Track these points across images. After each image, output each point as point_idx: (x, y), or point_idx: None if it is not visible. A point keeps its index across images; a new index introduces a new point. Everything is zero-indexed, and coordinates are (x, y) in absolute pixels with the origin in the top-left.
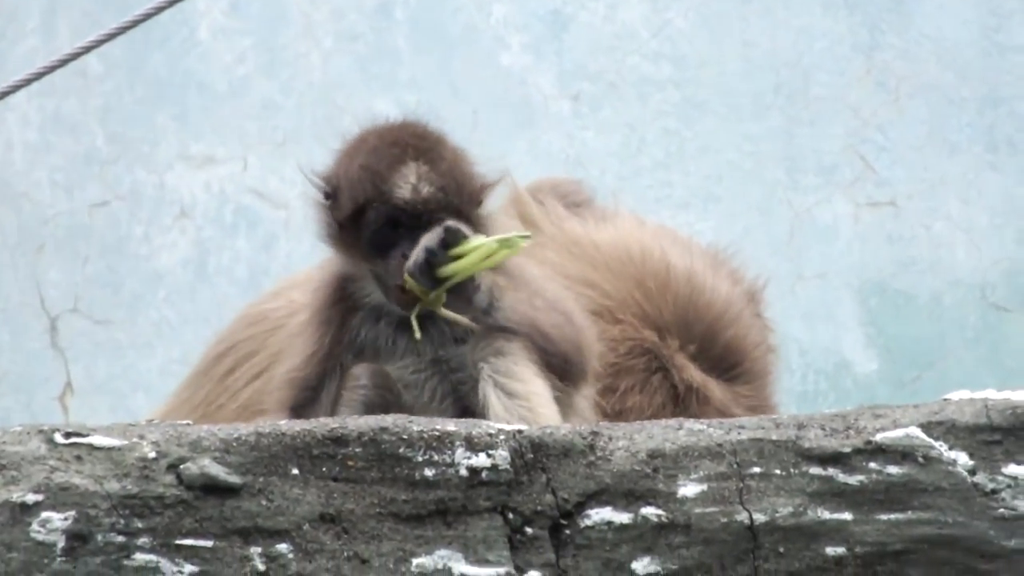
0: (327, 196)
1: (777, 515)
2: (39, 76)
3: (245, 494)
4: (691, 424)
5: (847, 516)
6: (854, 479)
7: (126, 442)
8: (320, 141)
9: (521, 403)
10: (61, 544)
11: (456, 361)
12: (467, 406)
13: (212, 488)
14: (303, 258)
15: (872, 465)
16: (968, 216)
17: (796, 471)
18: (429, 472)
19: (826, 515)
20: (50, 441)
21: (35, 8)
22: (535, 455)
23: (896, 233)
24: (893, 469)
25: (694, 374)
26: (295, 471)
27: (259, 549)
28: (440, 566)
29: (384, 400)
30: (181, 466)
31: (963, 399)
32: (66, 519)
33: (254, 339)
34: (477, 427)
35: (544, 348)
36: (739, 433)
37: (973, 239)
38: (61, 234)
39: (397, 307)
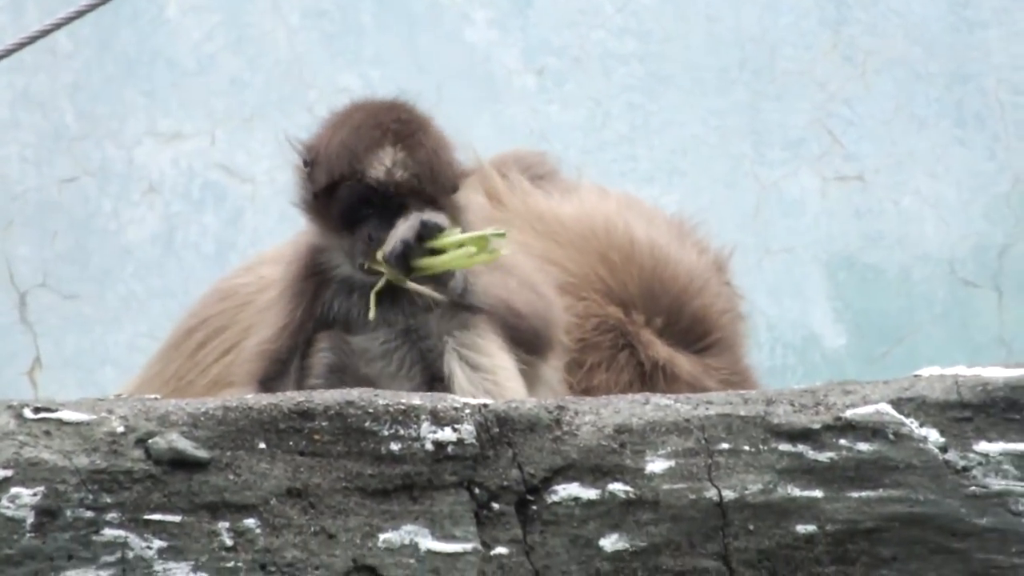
0: (306, 164)
1: (746, 492)
2: (8, 53)
3: (213, 469)
4: (658, 399)
5: (817, 493)
6: (824, 456)
7: (95, 417)
8: (287, 116)
9: (486, 376)
10: (30, 520)
11: (425, 330)
12: (435, 374)
13: (180, 463)
14: (269, 232)
15: (842, 442)
16: (936, 191)
17: (765, 447)
18: (395, 446)
19: (796, 492)
20: (19, 416)
21: None
22: (501, 429)
23: (864, 207)
24: (863, 446)
25: (660, 350)
26: (262, 445)
27: (227, 524)
28: (407, 541)
29: (343, 363)
30: (149, 441)
31: (933, 375)
32: (35, 495)
33: (224, 314)
34: (443, 401)
35: (515, 325)
36: (707, 408)
37: (941, 214)
38: (30, 210)
39: (363, 279)
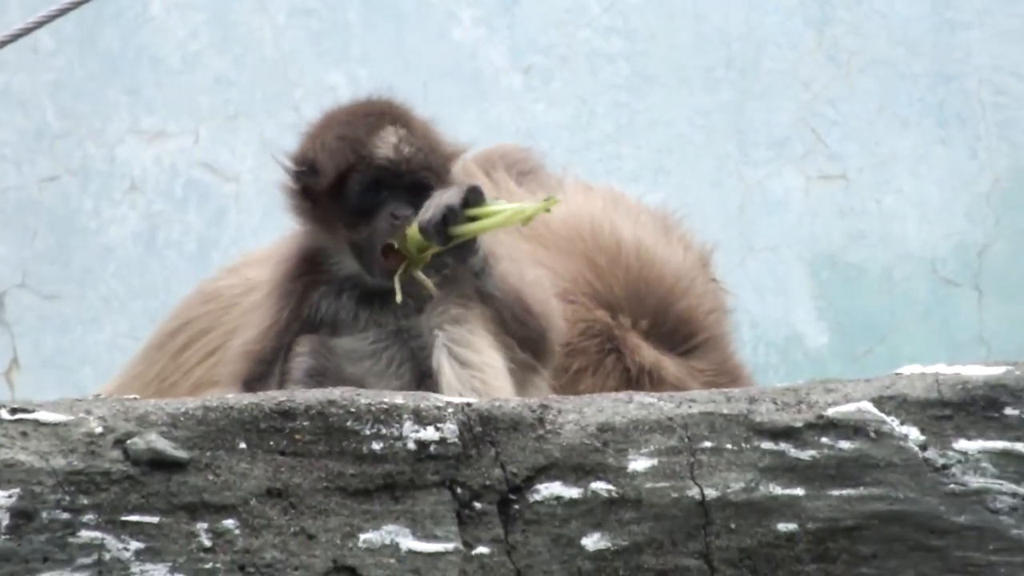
0: (303, 172)
1: (729, 490)
2: None
3: (192, 469)
4: (641, 398)
5: (799, 492)
6: (806, 454)
7: (72, 417)
8: (271, 115)
9: (474, 373)
10: (5, 522)
11: (416, 329)
12: (425, 371)
13: (159, 463)
14: (253, 231)
15: (824, 440)
16: (919, 190)
17: (748, 446)
18: (377, 446)
19: (778, 490)
20: None
21: None
22: (484, 428)
23: (847, 206)
24: (845, 444)
25: (647, 354)
26: (243, 445)
27: (205, 525)
28: (388, 541)
29: (324, 367)
30: (128, 441)
31: (914, 374)
32: (10, 496)
33: (208, 316)
34: (425, 400)
35: (524, 321)
36: (690, 407)
37: (924, 213)
38: (10, 209)
39: (376, 271)
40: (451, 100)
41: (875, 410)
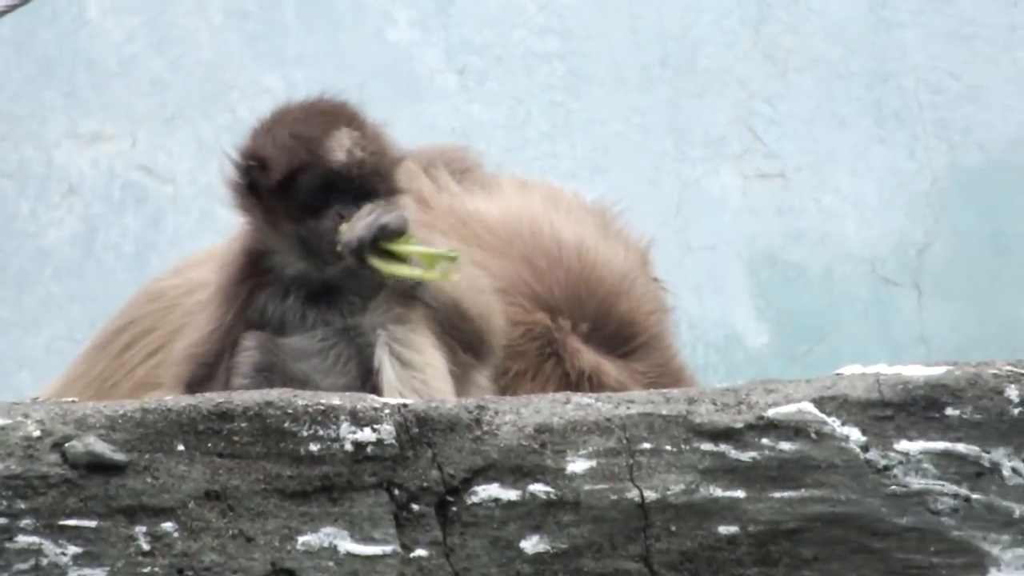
0: (252, 167)
1: (668, 492)
2: None
3: (130, 471)
4: (579, 398)
5: (740, 494)
6: (746, 455)
7: (10, 421)
8: (208, 117)
9: (415, 374)
10: None
11: (362, 327)
12: (370, 369)
13: (97, 466)
14: (191, 233)
15: (764, 441)
16: (857, 189)
17: (687, 447)
18: (314, 447)
19: (718, 492)
20: None
21: None
22: (420, 430)
23: (785, 205)
24: (786, 445)
25: (587, 358)
26: (181, 447)
27: (144, 528)
28: (326, 544)
29: (271, 362)
30: (66, 444)
31: (855, 374)
32: None
33: (152, 316)
34: (362, 401)
35: (460, 327)
36: (628, 407)
37: (862, 212)
38: None
39: (323, 264)
40: (387, 101)
41: (816, 411)
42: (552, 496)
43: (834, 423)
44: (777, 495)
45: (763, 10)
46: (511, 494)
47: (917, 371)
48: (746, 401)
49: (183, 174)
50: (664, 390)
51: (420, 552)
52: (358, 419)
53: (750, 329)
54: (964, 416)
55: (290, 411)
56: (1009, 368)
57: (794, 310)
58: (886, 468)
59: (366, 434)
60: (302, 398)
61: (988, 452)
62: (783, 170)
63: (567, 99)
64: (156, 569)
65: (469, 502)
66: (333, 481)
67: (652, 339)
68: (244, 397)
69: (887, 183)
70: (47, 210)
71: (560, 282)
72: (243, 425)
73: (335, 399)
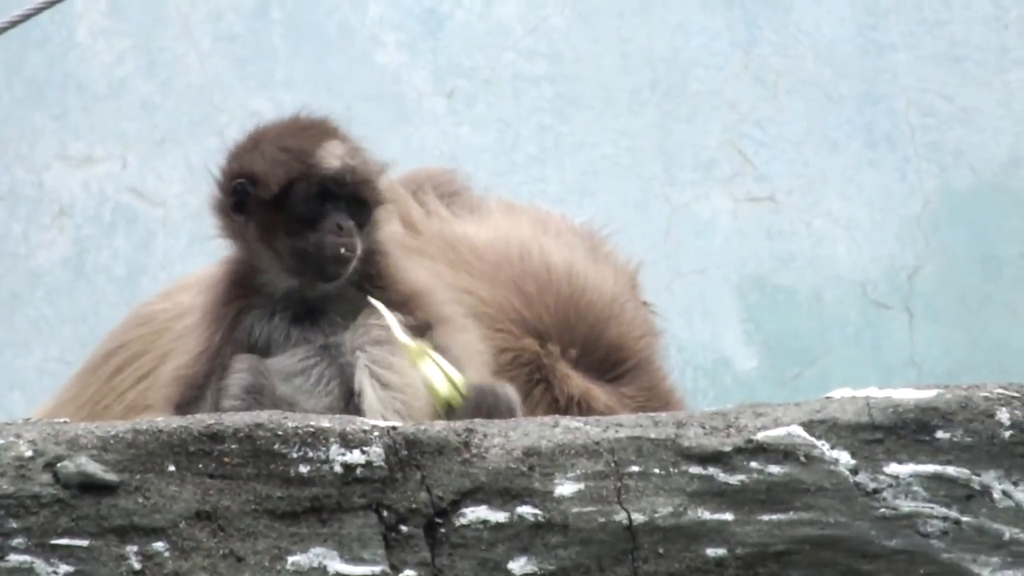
0: (242, 185)
1: (656, 515)
2: None
3: (122, 492)
4: (567, 422)
5: (728, 516)
6: (735, 479)
7: (2, 441)
8: (197, 140)
9: (396, 395)
10: None
11: (344, 346)
12: (353, 389)
13: (89, 486)
14: (180, 256)
15: (753, 464)
16: (848, 212)
17: (676, 470)
18: (304, 469)
19: (706, 515)
20: None
21: None
22: (409, 452)
23: (776, 229)
24: (774, 468)
25: (576, 384)
26: (172, 468)
27: (135, 548)
28: (315, 564)
29: (261, 384)
30: (58, 464)
31: (845, 397)
32: None
33: (142, 339)
34: (351, 423)
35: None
36: (617, 431)
37: (853, 235)
38: None
39: (323, 278)
40: (375, 124)
41: (805, 434)
42: (540, 518)
43: (823, 446)
44: (766, 518)
45: (753, 33)
46: (499, 516)
47: (907, 394)
48: (735, 424)
49: (173, 197)
50: (653, 414)
51: (409, 572)
52: (347, 441)
53: (739, 353)
54: (955, 439)
55: (280, 433)
56: (1000, 391)
57: (784, 334)
58: (876, 491)
59: (355, 456)
60: (292, 420)
61: (978, 475)
62: (773, 193)
63: (556, 122)
64: None
65: (458, 524)
66: (323, 502)
67: (641, 363)
68: (235, 419)
69: (878, 206)
70: (38, 232)
71: (549, 308)
72: (234, 447)
73: (325, 421)
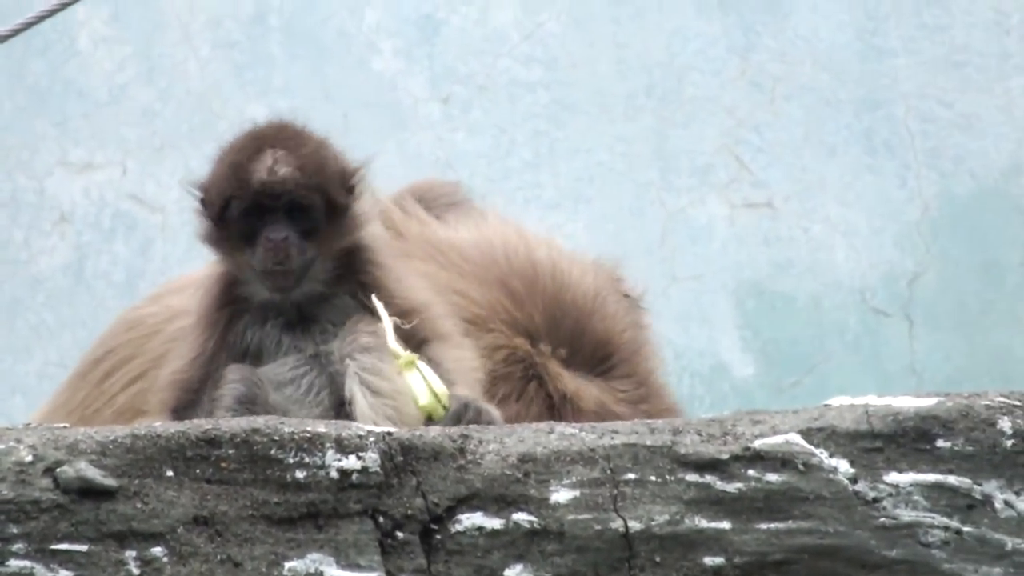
0: (202, 200)
1: (653, 523)
2: None
3: (121, 497)
4: (563, 428)
5: (725, 525)
6: (732, 487)
7: (2, 446)
8: (197, 147)
9: (386, 402)
10: None
11: (334, 355)
12: (343, 398)
13: (88, 491)
14: (179, 261)
15: (751, 472)
16: (846, 218)
17: (672, 478)
18: (300, 474)
19: (704, 523)
20: None
21: None
22: (405, 458)
23: (773, 235)
24: (772, 477)
25: (567, 382)
26: (170, 473)
27: (134, 553)
28: (312, 570)
29: (254, 395)
30: (58, 469)
31: (843, 405)
32: None
33: (131, 343)
34: (347, 429)
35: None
36: (612, 438)
37: (852, 242)
38: None
39: (271, 289)
40: (371, 130)
41: (803, 442)
42: (536, 525)
43: (822, 454)
44: (764, 526)
45: (750, 38)
46: (495, 523)
47: (907, 402)
48: (732, 432)
49: (172, 203)
50: (649, 420)
51: None
52: (343, 447)
53: (736, 359)
54: (955, 448)
55: (276, 438)
56: (1002, 399)
57: (781, 340)
58: (875, 500)
59: (351, 462)
60: (288, 425)
61: (980, 484)
62: (771, 199)
63: (551, 128)
64: None
65: (453, 530)
66: (319, 508)
67: (629, 356)
68: (231, 424)
69: (877, 212)
70: (39, 238)
71: (538, 307)
72: (231, 452)
73: (320, 427)
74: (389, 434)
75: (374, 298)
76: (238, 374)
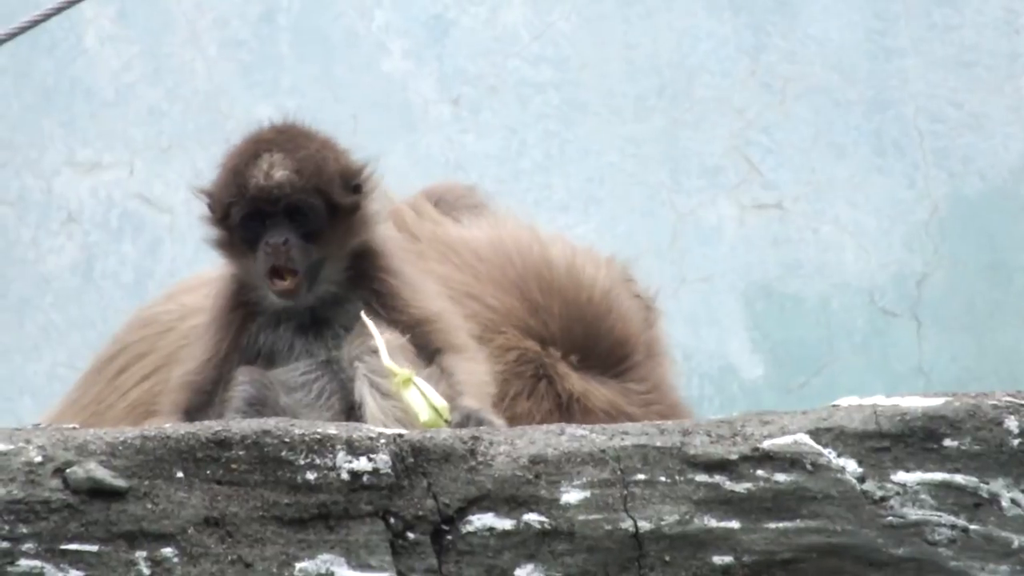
0: (208, 206)
1: (663, 523)
2: None
3: (131, 497)
4: (573, 429)
5: (734, 524)
6: (741, 487)
7: (12, 447)
8: (204, 147)
9: (396, 404)
10: None
11: (343, 360)
12: (353, 403)
13: (98, 492)
14: (188, 262)
15: (760, 472)
16: (856, 219)
17: (682, 478)
18: (311, 475)
19: (713, 523)
20: None
21: None
22: (416, 459)
23: (783, 236)
24: (781, 476)
25: (576, 383)
26: (180, 474)
27: (144, 553)
28: (323, 570)
29: (264, 396)
30: (67, 470)
31: (852, 405)
32: None
33: (145, 341)
34: (358, 431)
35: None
36: (622, 439)
37: (861, 243)
38: None
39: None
40: (380, 131)
41: (812, 442)
42: (546, 526)
43: (830, 454)
44: (772, 526)
45: (760, 38)
46: (506, 523)
47: (915, 402)
48: (741, 433)
49: (180, 203)
50: (658, 422)
51: None
52: (354, 448)
53: (746, 360)
54: (963, 447)
55: (287, 440)
56: (1008, 399)
57: (790, 341)
58: (883, 499)
59: (362, 463)
60: (299, 427)
61: (987, 483)
62: (780, 200)
63: (561, 129)
64: None
65: (464, 531)
66: (330, 509)
67: (643, 360)
68: (242, 426)
69: (886, 213)
70: (47, 238)
71: (552, 308)
72: (241, 453)
73: (331, 428)
74: (400, 436)
75: (363, 316)
76: (248, 376)
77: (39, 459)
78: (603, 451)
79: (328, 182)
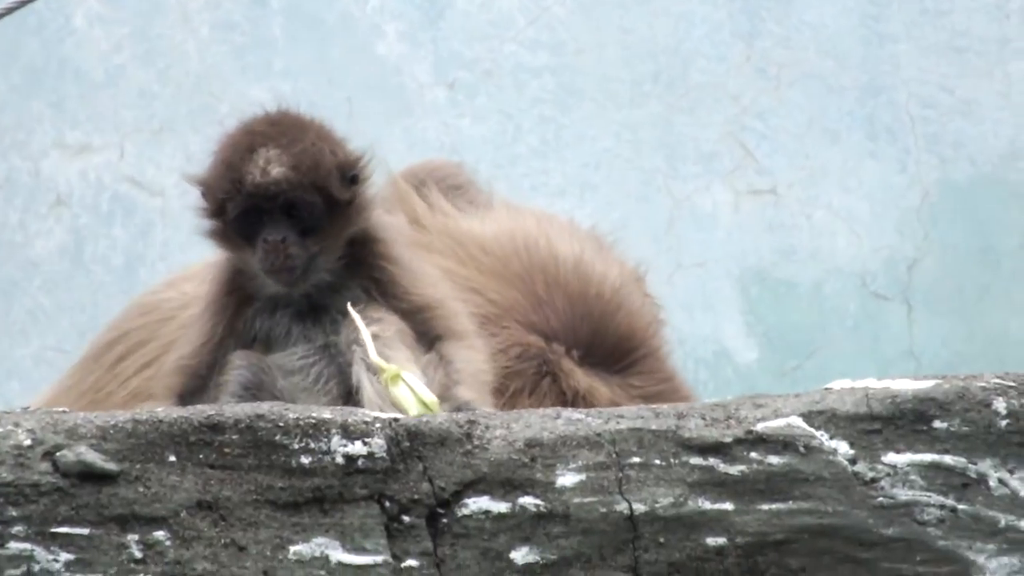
0: (201, 195)
1: (657, 505)
2: None
3: (122, 481)
4: (569, 413)
5: (728, 506)
6: (735, 469)
7: (0, 430)
8: (196, 130)
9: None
10: None
11: (340, 345)
12: (350, 389)
13: (88, 475)
14: (179, 246)
15: (753, 455)
16: (848, 204)
17: (676, 461)
18: (305, 459)
19: (707, 505)
20: None
21: None
22: (411, 443)
23: (776, 221)
24: (774, 459)
25: (580, 380)
26: (172, 458)
27: (136, 536)
28: (317, 554)
29: (260, 380)
30: (57, 453)
31: (844, 388)
32: None
33: (145, 328)
34: (353, 415)
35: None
36: (618, 423)
37: (853, 228)
38: None
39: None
40: (375, 115)
41: (804, 425)
42: (542, 509)
43: (822, 437)
44: (765, 507)
45: (755, 24)
46: (501, 507)
47: (906, 385)
48: (735, 416)
49: (171, 186)
50: (654, 405)
51: (411, 562)
52: (349, 432)
53: (740, 345)
54: (952, 429)
55: (281, 424)
56: (997, 381)
57: (784, 326)
58: (873, 480)
59: (357, 447)
60: (293, 411)
61: (975, 463)
62: (774, 186)
63: (557, 114)
64: None
65: (460, 514)
66: (324, 493)
67: (651, 353)
68: (235, 410)
69: (878, 198)
70: (35, 221)
71: (557, 308)
72: (234, 437)
73: (326, 413)
74: (396, 420)
75: (351, 309)
76: (244, 360)
77: (28, 442)
78: (599, 434)
79: (326, 177)
